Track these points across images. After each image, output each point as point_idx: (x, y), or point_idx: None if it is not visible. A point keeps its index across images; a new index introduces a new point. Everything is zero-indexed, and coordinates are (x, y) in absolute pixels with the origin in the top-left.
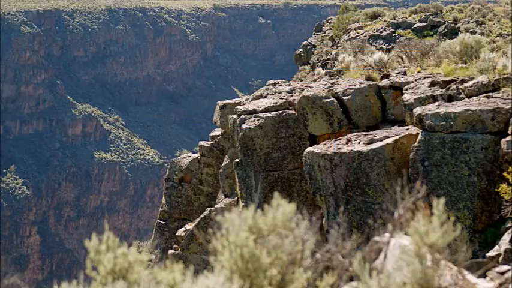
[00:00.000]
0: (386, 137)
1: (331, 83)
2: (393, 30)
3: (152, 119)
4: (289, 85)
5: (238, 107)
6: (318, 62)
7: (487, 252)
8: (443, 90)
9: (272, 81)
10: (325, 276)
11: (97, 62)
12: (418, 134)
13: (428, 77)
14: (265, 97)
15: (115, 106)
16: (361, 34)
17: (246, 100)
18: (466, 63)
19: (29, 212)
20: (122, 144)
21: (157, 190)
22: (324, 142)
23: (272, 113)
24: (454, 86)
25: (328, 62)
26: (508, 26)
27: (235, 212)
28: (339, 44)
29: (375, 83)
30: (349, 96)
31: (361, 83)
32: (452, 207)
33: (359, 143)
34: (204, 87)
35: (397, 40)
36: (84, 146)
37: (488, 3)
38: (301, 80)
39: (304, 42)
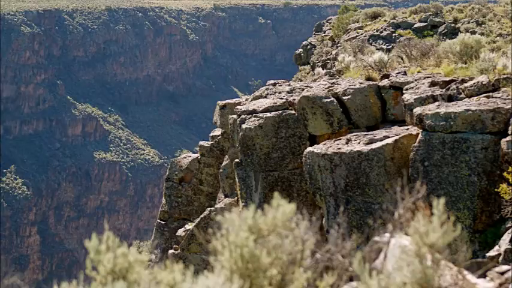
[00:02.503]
0: (387, 137)
1: (331, 83)
2: (393, 30)
3: (152, 119)
4: (289, 85)
5: (238, 107)
6: (318, 62)
7: (487, 252)
8: (443, 90)
9: (272, 81)
10: (325, 276)
11: (97, 62)
12: (418, 134)
13: (428, 77)
14: (265, 97)
15: (115, 106)
16: (361, 34)
17: (246, 100)
18: (466, 63)
19: (29, 212)
20: (122, 144)
21: (157, 190)
22: (324, 142)
23: (272, 113)
24: (454, 86)
25: (328, 62)
26: (508, 26)
27: (235, 212)
28: (339, 44)
29: (375, 83)
30: (349, 96)
31: (361, 83)
32: (452, 207)
33: (359, 143)
34: (204, 87)
35: (397, 40)
36: (84, 146)
37: (488, 3)
38: (301, 80)
39: (304, 42)
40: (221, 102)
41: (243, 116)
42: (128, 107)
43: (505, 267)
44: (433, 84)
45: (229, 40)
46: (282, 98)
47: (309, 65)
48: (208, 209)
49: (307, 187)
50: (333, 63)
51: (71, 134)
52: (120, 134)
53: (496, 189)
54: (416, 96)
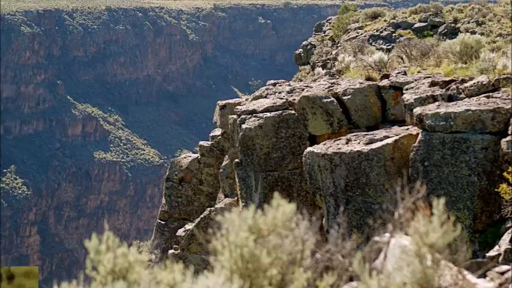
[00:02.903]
0: (387, 137)
1: (331, 83)
2: (393, 30)
3: (152, 119)
4: (289, 85)
5: (238, 107)
6: (318, 62)
7: (487, 252)
8: (443, 90)
9: (272, 81)
10: (325, 276)
11: (97, 62)
12: (418, 134)
13: (428, 77)
14: (265, 97)
15: (115, 106)
16: (361, 34)
17: (246, 100)
18: (466, 63)
19: (29, 212)
20: (122, 144)
21: (157, 190)
22: (324, 142)
23: (272, 113)
24: (454, 86)
25: (328, 62)
26: (508, 26)
27: (235, 212)
28: (339, 44)
29: (375, 83)
30: (349, 96)
31: (361, 83)
32: (452, 207)
33: (359, 143)
34: (204, 87)
35: (397, 40)
36: (84, 146)
37: (488, 3)
38: (301, 80)
39: (304, 42)
40: (221, 102)
41: (243, 116)
42: (128, 107)
43: (505, 267)
44: (433, 84)
45: (229, 40)
46: (282, 98)
47: (309, 65)
48: (208, 209)
49: (307, 187)
50: (333, 63)
51: (71, 134)
52: (120, 134)
53: (496, 189)
54: (416, 96)
